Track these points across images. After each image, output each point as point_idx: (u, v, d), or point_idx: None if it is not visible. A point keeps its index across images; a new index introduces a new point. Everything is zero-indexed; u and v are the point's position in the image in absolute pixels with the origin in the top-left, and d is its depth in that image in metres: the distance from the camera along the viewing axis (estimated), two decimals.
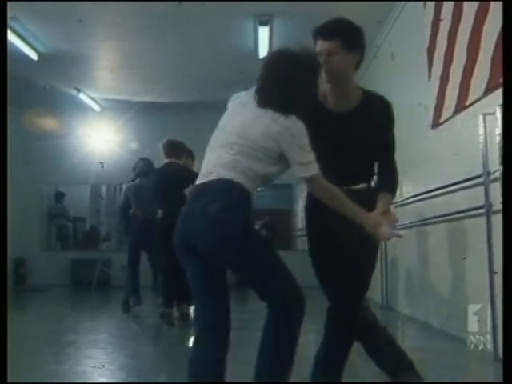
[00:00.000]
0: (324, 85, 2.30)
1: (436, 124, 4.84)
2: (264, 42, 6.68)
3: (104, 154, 10.11)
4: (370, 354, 2.54)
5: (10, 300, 7.44)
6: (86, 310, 7.56)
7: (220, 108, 2.46)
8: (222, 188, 2.10)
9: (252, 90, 2.23)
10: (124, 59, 7.99)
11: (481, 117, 3.79)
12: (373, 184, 2.46)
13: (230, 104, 2.31)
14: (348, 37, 2.25)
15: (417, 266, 5.65)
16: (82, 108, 9.76)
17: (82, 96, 9.21)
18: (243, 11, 6.15)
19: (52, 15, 6.19)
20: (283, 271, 2.15)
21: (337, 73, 2.26)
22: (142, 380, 3.34)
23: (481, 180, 3.86)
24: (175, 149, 5.63)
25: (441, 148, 4.80)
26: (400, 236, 2.30)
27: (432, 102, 4.82)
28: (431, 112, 4.86)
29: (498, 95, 3.39)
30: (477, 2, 3.94)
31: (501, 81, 3.28)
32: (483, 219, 3.79)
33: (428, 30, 4.92)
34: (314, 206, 2.34)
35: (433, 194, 4.94)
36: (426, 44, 4.97)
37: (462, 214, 4.30)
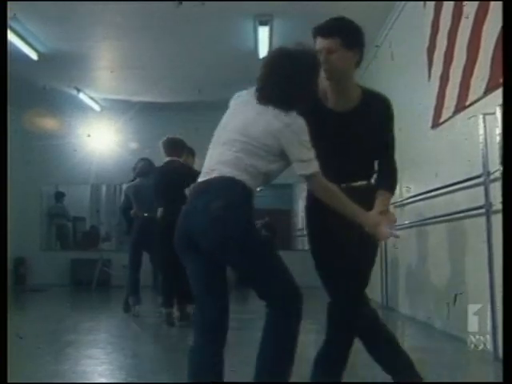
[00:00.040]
0: (324, 83, 2.30)
1: (436, 124, 4.84)
2: (264, 42, 6.68)
3: (104, 154, 10.11)
4: (371, 352, 2.53)
5: (10, 300, 7.42)
6: (86, 309, 7.55)
7: (220, 108, 2.46)
8: (224, 186, 2.10)
9: (253, 89, 2.23)
10: (124, 59, 7.99)
11: (481, 117, 3.79)
12: (373, 181, 2.46)
13: (232, 102, 2.31)
14: (348, 35, 2.25)
15: (417, 265, 5.65)
16: (82, 108, 9.76)
17: (81, 96, 9.21)
18: (243, 11, 6.15)
19: (52, 15, 6.19)
20: (283, 271, 2.16)
21: (336, 71, 2.26)
22: (141, 380, 3.33)
23: (481, 180, 3.86)
24: (175, 147, 5.61)
25: (441, 148, 4.80)
26: (397, 236, 2.30)
27: (432, 102, 4.82)
28: (431, 112, 4.86)
29: (497, 95, 3.39)
30: (477, 2, 3.95)
31: (501, 81, 3.28)
32: (483, 219, 3.79)
33: (428, 30, 4.92)
34: (314, 205, 2.35)
35: (433, 193, 4.94)
36: (426, 44, 4.97)
37: (461, 214, 4.30)
